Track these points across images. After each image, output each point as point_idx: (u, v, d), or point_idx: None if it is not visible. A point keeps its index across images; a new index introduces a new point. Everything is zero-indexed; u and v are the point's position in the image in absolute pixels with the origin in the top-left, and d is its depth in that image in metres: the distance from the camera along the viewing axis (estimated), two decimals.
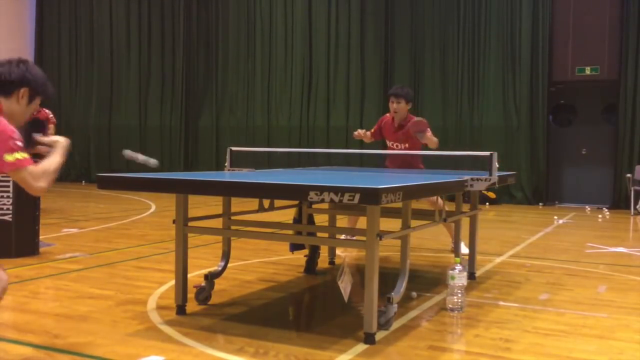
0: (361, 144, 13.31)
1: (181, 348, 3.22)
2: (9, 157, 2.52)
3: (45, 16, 17.05)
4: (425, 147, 6.07)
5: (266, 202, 4.52)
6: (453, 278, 4.00)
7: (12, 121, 2.67)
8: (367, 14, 13.63)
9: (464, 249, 5.90)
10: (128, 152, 3.31)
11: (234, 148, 5.11)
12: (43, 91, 2.81)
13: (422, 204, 5.67)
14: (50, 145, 2.84)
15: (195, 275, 4.65)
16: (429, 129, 5.89)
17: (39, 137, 2.91)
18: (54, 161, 2.73)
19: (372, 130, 6.30)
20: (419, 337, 3.48)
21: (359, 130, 6.20)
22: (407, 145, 6.11)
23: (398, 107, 6.09)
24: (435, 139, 5.90)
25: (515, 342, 3.45)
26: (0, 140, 2.53)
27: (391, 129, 6.21)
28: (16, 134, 2.57)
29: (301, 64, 14.26)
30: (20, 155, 2.54)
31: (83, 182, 15.36)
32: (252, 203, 4.26)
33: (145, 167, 3.86)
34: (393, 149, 6.20)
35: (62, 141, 2.85)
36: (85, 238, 6.96)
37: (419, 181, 3.76)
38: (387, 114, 6.33)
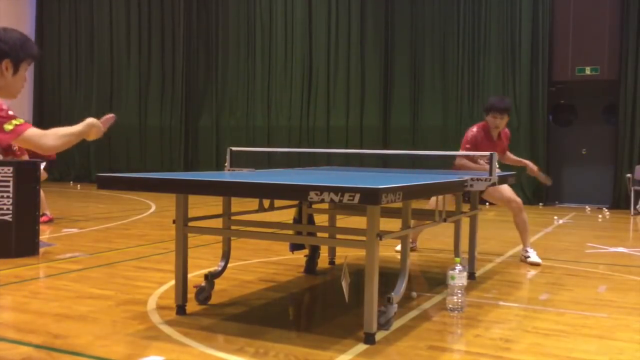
0: (361, 144, 13.48)
1: (181, 348, 3.22)
2: (8, 126, 2.52)
3: (45, 16, 17.06)
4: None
5: (266, 202, 4.51)
6: (453, 278, 4.00)
7: (5, 95, 2.63)
8: (367, 14, 13.63)
9: (535, 258, 5.83)
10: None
11: (234, 148, 5.11)
12: (26, 55, 2.65)
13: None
14: None
15: (195, 275, 4.65)
16: None
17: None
18: (70, 128, 2.70)
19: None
20: (419, 337, 3.48)
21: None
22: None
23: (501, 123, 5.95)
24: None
25: (515, 342, 3.45)
26: None
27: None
28: (4, 104, 2.56)
29: (301, 64, 14.27)
30: (17, 122, 2.55)
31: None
32: (252, 203, 4.25)
33: (144, 167, 3.86)
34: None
35: (90, 119, 2.82)
36: (85, 238, 6.96)
37: (419, 181, 3.76)
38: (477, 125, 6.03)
